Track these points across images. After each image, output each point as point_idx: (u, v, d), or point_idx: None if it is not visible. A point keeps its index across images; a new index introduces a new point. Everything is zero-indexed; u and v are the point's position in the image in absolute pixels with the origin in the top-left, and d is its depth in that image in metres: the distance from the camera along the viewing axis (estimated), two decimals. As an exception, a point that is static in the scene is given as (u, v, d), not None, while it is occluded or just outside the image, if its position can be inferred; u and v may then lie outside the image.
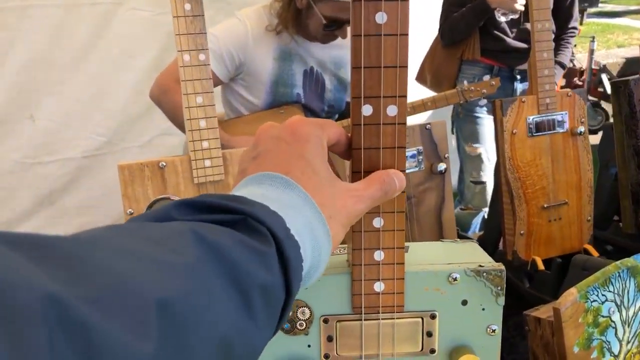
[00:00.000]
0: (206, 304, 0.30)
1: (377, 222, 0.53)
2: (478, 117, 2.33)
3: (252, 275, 0.33)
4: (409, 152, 1.09)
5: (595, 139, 1.55)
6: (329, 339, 0.55)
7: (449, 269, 0.55)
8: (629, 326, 0.75)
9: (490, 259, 0.58)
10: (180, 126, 1.33)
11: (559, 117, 1.27)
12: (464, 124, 2.35)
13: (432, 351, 0.56)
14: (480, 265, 0.56)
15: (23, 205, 2.47)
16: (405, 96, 0.50)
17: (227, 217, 0.35)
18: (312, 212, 0.40)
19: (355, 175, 0.52)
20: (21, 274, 0.23)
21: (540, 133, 1.26)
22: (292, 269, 0.36)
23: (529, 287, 1.27)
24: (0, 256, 0.24)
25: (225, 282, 0.32)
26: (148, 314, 0.27)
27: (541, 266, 1.23)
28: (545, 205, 1.28)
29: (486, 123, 2.35)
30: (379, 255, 0.54)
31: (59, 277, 0.25)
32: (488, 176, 2.39)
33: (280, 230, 0.36)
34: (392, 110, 0.50)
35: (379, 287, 0.54)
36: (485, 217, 2.11)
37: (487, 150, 2.37)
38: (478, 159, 2.38)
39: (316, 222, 0.40)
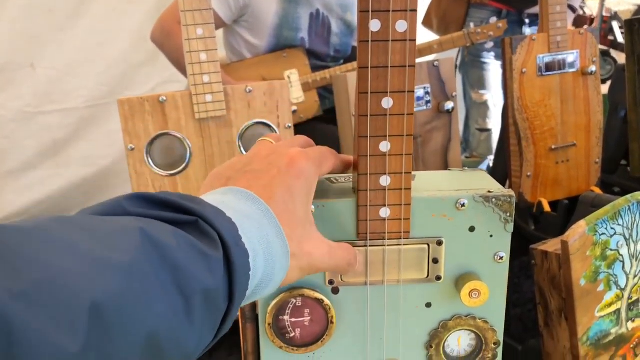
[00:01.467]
0: (142, 306, 0.29)
1: (384, 147, 0.51)
2: (485, 63, 2.28)
3: (195, 278, 0.33)
4: (416, 90, 1.06)
5: (604, 89, 1.51)
6: (334, 265, 0.55)
7: (456, 195, 0.54)
8: (636, 260, 0.74)
9: (499, 185, 0.56)
10: (184, 70, 1.31)
11: (570, 56, 1.23)
12: (471, 70, 2.31)
13: (438, 278, 0.56)
14: (489, 191, 0.54)
15: (27, 155, 2.46)
16: (415, 10, 0.47)
17: (179, 217, 0.35)
18: (272, 228, 0.40)
19: (362, 97, 0.50)
20: None
21: (550, 72, 1.23)
22: (237, 277, 0.36)
23: (534, 229, 1.26)
24: None
25: (167, 284, 0.31)
26: (78, 313, 0.26)
27: (547, 208, 1.22)
28: (553, 147, 1.26)
29: (493, 69, 2.30)
30: (385, 181, 0.52)
31: None
32: (494, 124, 2.36)
33: (230, 237, 0.36)
34: (401, 26, 0.47)
35: (384, 213, 0.53)
36: (491, 165, 2.09)
37: (494, 96, 2.34)
38: (484, 105, 2.35)
39: (274, 237, 0.40)
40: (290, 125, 0.95)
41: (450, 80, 1.08)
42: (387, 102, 0.50)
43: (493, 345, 0.58)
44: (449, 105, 1.07)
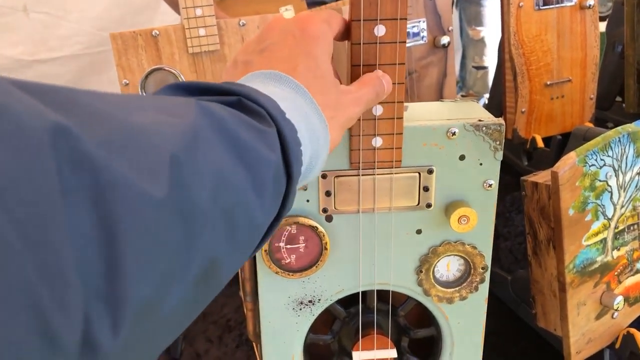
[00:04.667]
0: (215, 170, 0.29)
1: (376, 75, 0.52)
2: (482, -1, 2.24)
3: (257, 152, 0.32)
4: (411, 24, 1.05)
5: (603, 27, 1.49)
6: (327, 194, 0.56)
7: (447, 124, 0.55)
8: (624, 191, 0.76)
9: (490, 114, 0.57)
10: (176, 6, 1.28)
11: (568, -11, 1.21)
12: (468, 6, 2.27)
13: (429, 205, 0.57)
14: (480, 120, 0.55)
15: None
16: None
17: (222, 98, 0.34)
18: (307, 103, 0.39)
19: (355, 25, 0.50)
20: (27, 104, 0.22)
21: (548, 6, 1.21)
22: (291, 151, 0.35)
23: (527, 165, 1.28)
24: (4, 89, 0.22)
25: (232, 156, 0.31)
26: (160, 162, 0.26)
27: (541, 144, 1.23)
28: (549, 83, 1.25)
29: (489, 4, 2.26)
30: (377, 110, 0.53)
31: (68, 115, 0.23)
32: (490, 61, 2.34)
33: (277, 112, 0.35)
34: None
35: (376, 142, 0.54)
36: (486, 102, 2.09)
37: (490, 33, 2.31)
38: (481, 42, 2.32)
39: (311, 112, 0.39)
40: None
41: (446, 14, 1.07)
42: (379, 30, 0.50)
43: (481, 270, 0.61)
44: (445, 39, 1.06)
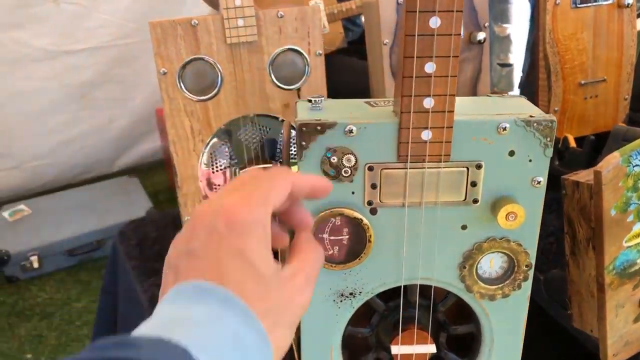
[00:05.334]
0: None
1: (429, 68, 0.51)
2: (510, -5, 2.21)
3: None
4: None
5: None
6: (373, 186, 0.56)
7: (498, 119, 0.54)
8: (667, 192, 0.75)
9: (540, 110, 0.56)
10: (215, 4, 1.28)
11: (606, -13, 1.19)
12: (494, 2, 2.24)
13: (475, 201, 0.57)
14: (531, 116, 0.55)
15: (52, 96, 2.44)
16: None
17: None
18: (238, 317, 0.34)
19: (409, 15, 0.49)
20: None
21: (585, 5, 1.19)
22: None
23: (558, 165, 1.26)
24: None
25: None
26: None
27: (573, 143, 1.22)
28: (583, 82, 1.24)
29: (517, 1, 2.24)
30: (428, 103, 0.52)
31: None
32: (515, 59, 2.32)
33: None
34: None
35: (426, 135, 0.53)
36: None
37: (517, 31, 2.28)
38: (507, 39, 2.30)
39: (242, 329, 0.34)
40: (320, 52, 0.94)
41: (483, 10, 1.06)
42: (435, 22, 0.50)
43: (525, 268, 0.60)
44: (481, 35, 1.05)
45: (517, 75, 2.68)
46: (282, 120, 0.95)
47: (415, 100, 0.52)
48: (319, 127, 0.54)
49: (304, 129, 0.54)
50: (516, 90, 2.67)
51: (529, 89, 1.40)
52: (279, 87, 0.93)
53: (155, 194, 2.65)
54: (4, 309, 2.03)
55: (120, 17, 2.43)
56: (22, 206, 2.36)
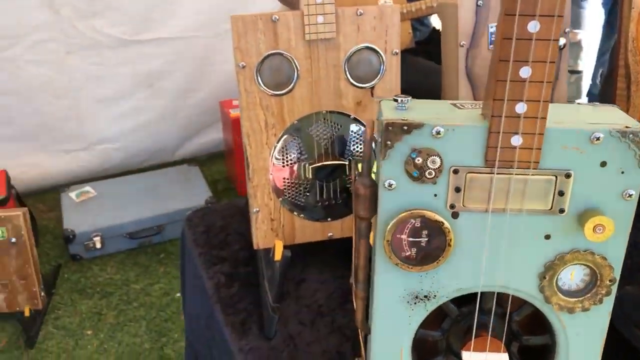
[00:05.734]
0: None
1: (525, 72, 0.50)
2: (583, 0, 2.15)
3: None
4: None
5: None
6: (457, 189, 0.55)
7: (592, 128, 0.53)
8: None
9: (635, 121, 0.55)
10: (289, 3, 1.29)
11: (698, -5, 1.14)
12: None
13: (562, 211, 0.55)
14: (627, 127, 0.53)
15: (121, 84, 2.53)
16: None
17: None
18: None
19: (508, 19, 0.49)
20: None
21: (673, 12, 1.14)
22: None
23: None
24: None
25: None
26: None
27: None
28: (666, 93, 1.18)
29: (590, 7, 2.17)
30: (521, 108, 0.51)
31: None
32: (585, 66, 2.25)
33: None
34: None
35: (516, 141, 0.53)
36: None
37: (588, 37, 2.21)
38: (577, 46, 2.23)
39: None
40: (397, 51, 0.93)
41: (565, 15, 1.03)
42: (534, 26, 0.49)
43: (608, 282, 0.58)
44: (562, 41, 1.02)
45: (586, 82, 2.60)
46: (354, 118, 0.95)
47: (507, 104, 0.51)
48: (405, 127, 0.54)
49: (390, 127, 0.54)
50: (584, 99, 2.58)
51: (605, 97, 1.35)
52: (352, 84, 0.93)
53: (213, 183, 2.70)
54: (67, 285, 2.12)
55: (191, 10, 2.49)
56: (88, 188, 2.45)
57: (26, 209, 1.88)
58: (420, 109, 0.57)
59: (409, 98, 0.57)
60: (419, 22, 1.86)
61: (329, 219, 1.01)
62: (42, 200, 2.58)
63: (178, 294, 2.06)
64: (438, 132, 0.53)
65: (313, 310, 0.95)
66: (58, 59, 2.38)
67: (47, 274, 2.11)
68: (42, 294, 1.95)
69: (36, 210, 2.45)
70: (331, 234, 1.01)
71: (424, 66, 1.88)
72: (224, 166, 2.86)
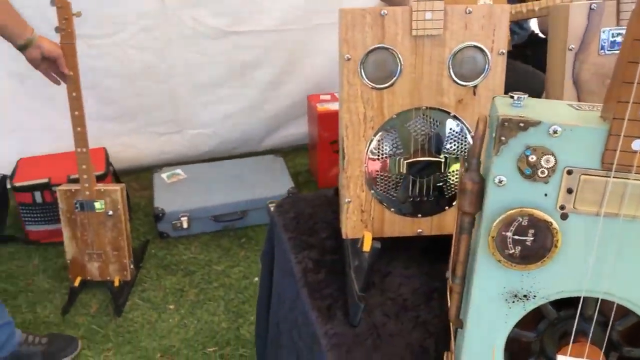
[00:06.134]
0: None
1: (653, 75, 0.49)
2: None
3: None
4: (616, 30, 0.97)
5: None
6: (569, 191, 0.55)
7: None
8: None
9: None
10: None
11: None
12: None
13: (680, 221, 0.54)
14: None
15: (216, 72, 2.63)
16: None
17: None
18: None
19: (636, 44, 0.48)
20: None
21: None
22: None
23: None
24: None
25: None
26: None
27: None
28: None
29: None
30: (646, 111, 0.50)
31: None
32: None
33: None
34: None
35: (637, 145, 0.51)
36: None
37: None
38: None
39: None
40: (503, 51, 0.92)
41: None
42: (669, 28, 0.47)
43: None
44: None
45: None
46: (454, 116, 0.95)
47: (632, 107, 0.50)
48: (522, 124, 0.54)
49: (505, 124, 0.54)
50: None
51: None
52: (455, 82, 0.93)
53: (295, 175, 2.76)
54: (154, 261, 2.24)
55: (287, 3, 2.55)
56: (178, 170, 2.57)
57: (124, 185, 2.00)
58: (536, 107, 0.56)
59: (525, 95, 0.57)
60: (517, 25, 1.82)
61: (419, 215, 1.01)
62: (136, 179, 2.72)
63: (256, 279, 2.13)
64: (555, 131, 0.53)
65: (397, 304, 0.96)
66: (160, 46, 2.51)
67: (136, 249, 2.24)
68: (131, 266, 2.07)
69: (130, 188, 2.60)
70: (420, 230, 1.02)
71: (521, 69, 1.84)
72: (306, 159, 2.91)
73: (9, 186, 2.31)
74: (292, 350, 1.07)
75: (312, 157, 2.78)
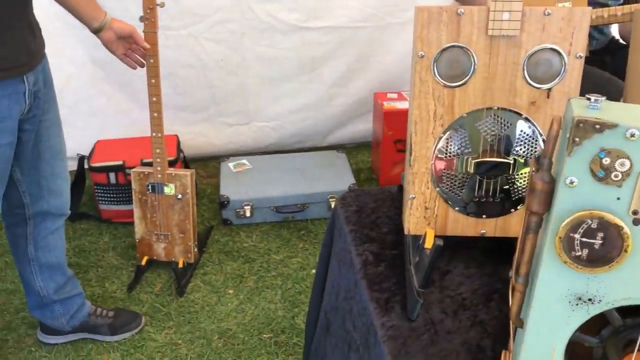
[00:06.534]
0: None
1: None
2: None
3: None
4: None
5: None
6: (643, 196, 0.54)
7: None
8: None
9: None
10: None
11: None
12: None
13: None
14: None
15: (286, 67, 2.68)
16: None
17: None
18: None
19: None
20: None
21: None
22: None
23: None
24: None
25: None
26: None
27: None
28: None
29: None
30: None
31: None
32: None
33: None
34: None
35: None
36: None
37: None
38: None
39: None
40: (581, 55, 0.91)
41: None
42: None
43: None
44: None
45: None
46: (526, 118, 0.94)
47: None
48: (597, 126, 0.53)
49: (581, 125, 0.54)
50: None
51: None
52: (529, 84, 0.93)
53: (357, 171, 2.78)
54: (217, 246, 2.31)
55: (361, 2, 2.56)
56: (244, 160, 2.64)
57: (193, 170, 2.07)
58: (613, 110, 0.56)
59: (603, 98, 0.56)
60: (597, 30, 1.77)
61: (484, 216, 1.01)
62: (204, 167, 2.82)
63: (313, 271, 2.16)
64: (632, 135, 0.52)
65: (456, 302, 0.96)
66: (234, 39, 2.58)
67: (200, 233, 2.32)
68: (195, 249, 2.15)
69: (197, 176, 2.69)
70: (484, 231, 1.02)
71: (597, 75, 1.78)
72: (369, 156, 2.92)
73: (86, 166, 2.45)
74: (343, 339, 1.09)
75: (375, 154, 2.79)
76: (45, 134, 1.52)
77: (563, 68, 0.92)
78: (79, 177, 2.52)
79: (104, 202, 2.41)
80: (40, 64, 1.45)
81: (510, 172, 0.97)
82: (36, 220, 1.64)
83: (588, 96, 0.57)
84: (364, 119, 2.89)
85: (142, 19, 1.77)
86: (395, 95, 2.68)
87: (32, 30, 1.40)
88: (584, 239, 0.57)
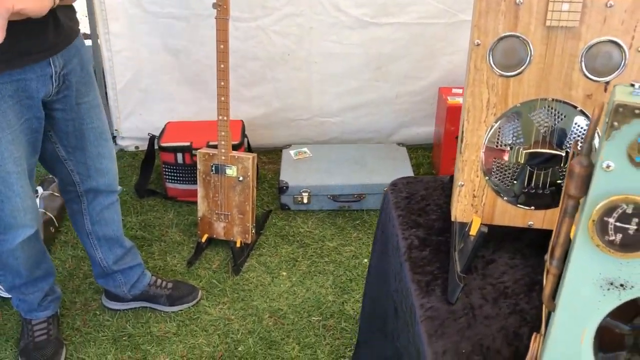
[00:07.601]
0: None
1: None
2: None
3: None
4: None
5: None
6: (681, 182, 0.54)
7: None
8: None
9: None
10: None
11: None
12: None
13: None
14: None
15: (353, 63, 2.69)
16: None
17: None
18: None
19: None
20: None
21: None
22: None
23: None
24: None
25: None
26: None
27: None
28: None
29: None
30: None
31: None
32: None
33: None
34: None
35: None
36: None
37: None
38: None
39: None
40: (643, 49, 0.89)
41: None
42: None
43: None
44: None
45: None
46: (581, 111, 0.94)
47: None
48: (637, 111, 0.54)
49: (620, 109, 0.55)
50: None
51: None
52: (586, 76, 0.92)
53: (417, 166, 2.78)
54: (273, 230, 2.38)
55: (432, -2, 2.55)
56: (305, 149, 2.70)
57: (255, 155, 2.15)
58: (656, 97, 0.56)
59: (647, 84, 0.57)
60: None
61: (532, 208, 1.01)
62: (266, 154, 2.90)
63: (365, 260, 2.19)
64: (672, 120, 0.53)
65: (498, 290, 0.97)
66: (301, 33, 2.63)
67: (259, 216, 2.40)
68: (253, 231, 2.22)
69: (259, 162, 2.77)
70: (531, 222, 1.02)
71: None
72: (430, 152, 2.91)
73: (156, 146, 2.57)
74: (395, 319, 1.12)
75: (436, 150, 2.78)
76: (87, 116, 1.57)
77: (623, 62, 0.90)
78: (149, 156, 2.65)
79: (170, 180, 2.53)
80: (72, 47, 1.45)
81: (562, 165, 0.97)
82: (88, 197, 1.73)
83: (632, 82, 0.57)
84: (429, 119, 2.85)
85: (215, 5, 1.85)
86: (460, 91, 2.65)
87: (56, 16, 1.38)
88: (618, 224, 0.58)
